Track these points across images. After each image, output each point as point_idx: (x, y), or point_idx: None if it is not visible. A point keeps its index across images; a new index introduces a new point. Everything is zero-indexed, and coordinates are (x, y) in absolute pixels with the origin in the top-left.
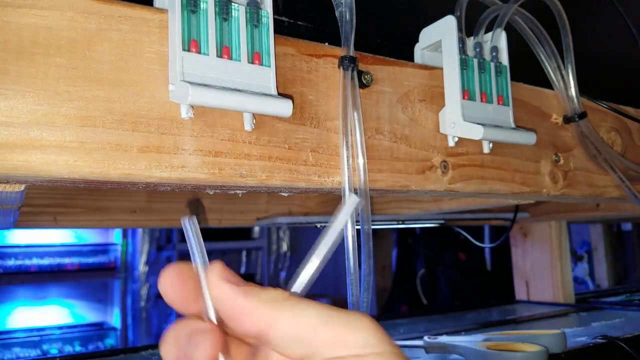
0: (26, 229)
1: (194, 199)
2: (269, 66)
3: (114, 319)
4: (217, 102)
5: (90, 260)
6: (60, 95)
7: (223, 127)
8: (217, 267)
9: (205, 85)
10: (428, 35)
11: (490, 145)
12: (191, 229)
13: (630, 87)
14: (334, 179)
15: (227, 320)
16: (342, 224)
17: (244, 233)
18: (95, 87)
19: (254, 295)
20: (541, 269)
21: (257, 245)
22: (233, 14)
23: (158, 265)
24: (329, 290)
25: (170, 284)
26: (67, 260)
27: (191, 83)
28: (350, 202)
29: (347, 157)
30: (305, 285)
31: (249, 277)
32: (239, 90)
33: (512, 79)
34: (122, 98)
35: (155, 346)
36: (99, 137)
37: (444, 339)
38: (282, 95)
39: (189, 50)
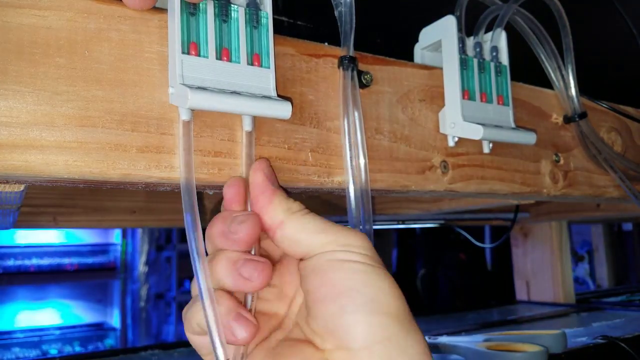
0: (26, 229)
1: None
2: (269, 67)
3: (114, 319)
4: (216, 106)
5: (89, 260)
6: (59, 95)
7: (222, 127)
8: (264, 162)
9: (205, 89)
10: (428, 35)
11: (490, 145)
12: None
13: (630, 87)
14: (334, 179)
15: (252, 206)
16: None
17: None
18: (94, 87)
19: (278, 197)
20: (542, 269)
21: None
22: (232, 15)
23: (158, 266)
24: None
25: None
26: (66, 261)
27: (190, 87)
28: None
29: (350, 157)
30: None
31: None
32: (238, 93)
33: (512, 79)
34: (121, 98)
35: (154, 346)
36: (99, 137)
37: (444, 339)
38: (281, 97)
39: (188, 53)
